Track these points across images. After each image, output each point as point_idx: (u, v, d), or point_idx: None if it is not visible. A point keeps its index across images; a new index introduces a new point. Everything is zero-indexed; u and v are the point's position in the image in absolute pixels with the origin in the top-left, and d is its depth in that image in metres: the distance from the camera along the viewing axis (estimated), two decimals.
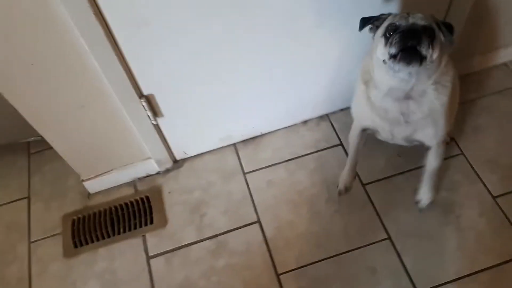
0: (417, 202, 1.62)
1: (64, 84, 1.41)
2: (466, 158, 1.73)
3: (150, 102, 1.57)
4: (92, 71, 1.38)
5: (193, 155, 1.90)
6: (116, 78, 1.43)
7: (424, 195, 1.59)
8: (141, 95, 1.53)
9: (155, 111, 1.61)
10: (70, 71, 1.38)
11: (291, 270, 1.56)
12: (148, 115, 1.59)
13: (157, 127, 1.68)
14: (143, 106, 1.55)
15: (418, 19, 1.21)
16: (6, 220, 1.81)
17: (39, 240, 1.74)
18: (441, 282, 1.48)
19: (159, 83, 1.53)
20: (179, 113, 1.67)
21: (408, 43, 1.18)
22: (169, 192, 1.81)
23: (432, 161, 1.51)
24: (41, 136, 1.97)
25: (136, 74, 1.47)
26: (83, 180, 1.79)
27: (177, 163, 1.88)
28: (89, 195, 1.83)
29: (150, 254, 1.65)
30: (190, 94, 1.61)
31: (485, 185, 1.65)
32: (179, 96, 1.60)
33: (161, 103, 1.59)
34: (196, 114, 1.70)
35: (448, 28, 1.24)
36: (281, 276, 1.55)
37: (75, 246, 1.70)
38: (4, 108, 1.73)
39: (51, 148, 1.88)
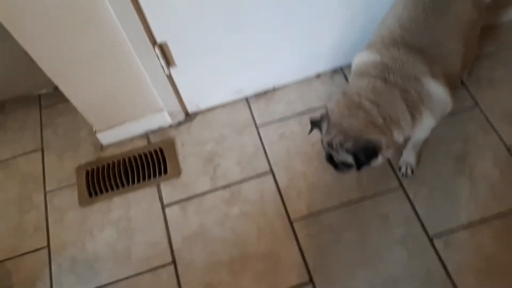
0: (399, 168, 1.62)
1: (80, 31, 1.40)
2: (481, 110, 1.71)
3: (163, 51, 1.55)
4: (107, 18, 1.36)
5: (205, 108, 1.89)
6: (130, 24, 1.41)
7: (406, 161, 1.60)
8: (154, 42, 1.51)
9: (168, 60, 1.59)
10: (86, 18, 1.36)
11: (304, 218, 1.58)
12: (161, 64, 1.58)
13: (169, 77, 1.67)
14: (157, 54, 1.54)
15: (335, 149, 1.25)
16: (21, 171, 1.83)
17: (54, 190, 1.76)
18: (453, 228, 1.50)
19: (173, 30, 1.51)
20: (192, 63, 1.65)
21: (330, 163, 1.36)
22: (182, 144, 1.82)
23: (419, 133, 1.43)
24: (52, 89, 1.98)
25: (150, 21, 1.45)
26: (96, 132, 1.80)
27: (189, 116, 1.88)
28: (102, 147, 1.85)
29: (165, 202, 1.68)
30: (203, 43, 1.59)
31: (499, 136, 1.65)
32: (192, 45, 1.58)
33: (174, 52, 1.58)
34: (208, 64, 1.68)
35: (357, 157, 1.22)
36: (294, 223, 1.58)
37: (90, 196, 1.73)
38: (16, 60, 1.73)
39: (62, 101, 1.89)
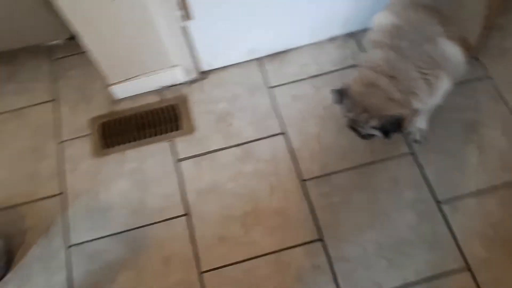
0: (409, 133, 1.65)
1: None
2: (492, 80, 1.74)
3: (184, 0, 1.54)
4: None
5: (218, 67, 1.89)
6: None
7: (418, 127, 1.62)
8: None
9: (186, 12, 1.58)
10: None
11: (315, 177, 1.62)
12: (180, 14, 1.56)
13: (186, 31, 1.65)
14: (176, 3, 1.52)
15: (360, 126, 1.34)
16: (34, 121, 1.83)
17: (67, 140, 1.78)
18: (461, 194, 1.54)
19: None
20: (209, 18, 1.64)
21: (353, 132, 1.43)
22: (195, 102, 1.83)
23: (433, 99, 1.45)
24: (64, 41, 1.95)
25: None
26: (109, 85, 1.79)
27: (203, 74, 1.88)
28: (115, 101, 1.85)
29: (179, 157, 1.70)
30: None
31: (509, 107, 1.68)
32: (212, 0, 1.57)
33: (194, 3, 1.56)
34: (225, 20, 1.67)
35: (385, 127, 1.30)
36: (305, 182, 1.61)
37: (104, 148, 1.74)
38: (29, 9, 1.70)
39: (73, 54, 1.89)
